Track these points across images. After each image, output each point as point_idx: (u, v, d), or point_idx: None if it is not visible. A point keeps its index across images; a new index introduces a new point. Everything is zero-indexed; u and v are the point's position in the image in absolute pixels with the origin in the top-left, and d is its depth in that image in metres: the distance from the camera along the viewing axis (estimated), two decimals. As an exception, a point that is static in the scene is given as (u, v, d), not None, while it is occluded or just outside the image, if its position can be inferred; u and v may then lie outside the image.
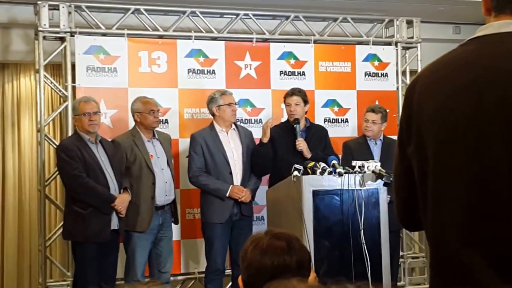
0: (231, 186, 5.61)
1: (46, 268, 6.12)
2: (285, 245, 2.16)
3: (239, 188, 5.63)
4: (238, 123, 6.06)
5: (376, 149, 6.12)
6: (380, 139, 6.19)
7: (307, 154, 5.63)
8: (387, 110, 6.29)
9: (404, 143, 1.90)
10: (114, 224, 5.25)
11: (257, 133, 6.12)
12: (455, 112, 1.75)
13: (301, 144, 5.66)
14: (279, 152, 5.72)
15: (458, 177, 1.74)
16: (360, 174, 5.02)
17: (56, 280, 6.43)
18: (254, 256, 2.17)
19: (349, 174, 5.00)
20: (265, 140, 5.71)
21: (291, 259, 2.14)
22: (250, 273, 2.17)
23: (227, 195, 5.58)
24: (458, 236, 1.73)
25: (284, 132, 5.81)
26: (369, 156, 5.77)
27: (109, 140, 5.60)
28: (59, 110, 6.28)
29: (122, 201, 5.26)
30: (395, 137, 6.70)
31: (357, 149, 6.04)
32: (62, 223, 5.79)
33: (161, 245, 5.63)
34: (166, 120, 6.28)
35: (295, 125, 5.74)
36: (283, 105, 6.04)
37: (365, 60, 7.00)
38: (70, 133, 5.96)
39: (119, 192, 5.30)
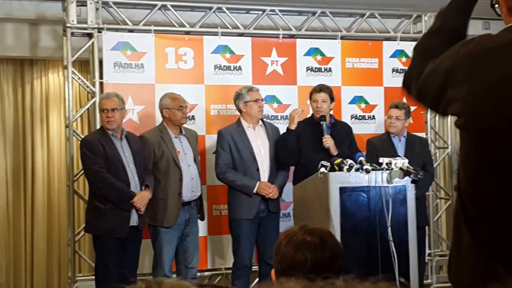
0: (258, 182, 5.61)
1: (75, 263, 6.17)
2: (318, 240, 2.18)
3: (266, 184, 5.62)
4: (264, 119, 6.05)
5: (400, 146, 6.09)
6: (404, 136, 6.16)
7: (334, 151, 5.58)
8: (410, 107, 6.26)
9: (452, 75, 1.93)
10: (134, 220, 5.27)
11: (283, 130, 6.10)
12: None
13: (328, 141, 5.61)
14: (304, 149, 5.69)
15: None
16: (388, 171, 4.99)
17: (85, 274, 6.50)
18: (287, 250, 2.19)
19: (376, 171, 4.97)
20: (293, 127, 5.63)
21: (324, 254, 2.15)
22: (283, 267, 2.19)
23: (255, 191, 5.58)
24: None
25: (309, 128, 5.77)
26: (394, 153, 5.74)
27: (137, 135, 5.62)
28: (87, 106, 6.33)
29: (142, 198, 5.27)
30: (419, 134, 6.69)
31: (381, 146, 6.01)
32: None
33: (188, 240, 5.66)
34: (193, 116, 6.29)
35: (321, 122, 5.69)
36: (309, 102, 6.01)
37: (393, 56, 6.95)
38: (98, 129, 6.01)
39: (140, 189, 5.33)
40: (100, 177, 5.16)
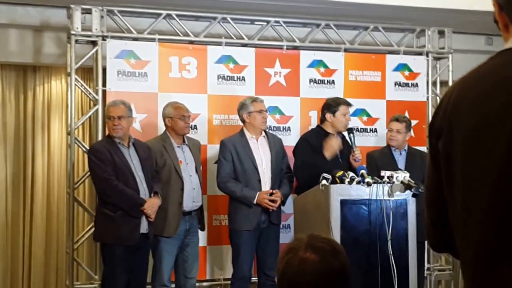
0: (258, 193, 5.57)
1: (73, 271, 6.14)
2: (319, 259, 2.12)
3: (266, 192, 5.56)
4: (267, 130, 6.03)
5: (401, 160, 6.09)
6: (405, 149, 6.16)
7: (357, 164, 5.59)
8: (411, 121, 6.27)
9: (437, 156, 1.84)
10: (144, 227, 5.24)
11: (286, 141, 6.10)
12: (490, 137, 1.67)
13: (360, 154, 5.64)
14: (320, 161, 5.58)
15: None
16: (389, 185, 4.99)
17: (83, 282, 6.47)
18: (285, 268, 2.15)
19: (378, 184, 4.97)
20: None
21: (322, 274, 2.10)
22: (281, 285, 2.16)
23: (255, 202, 5.56)
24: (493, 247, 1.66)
25: (320, 140, 5.70)
26: (394, 167, 5.73)
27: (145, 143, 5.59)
28: (89, 114, 6.33)
29: (152, 205, 5.24)
30: (421, 148, 6.68)
31: (381, 159, 6.00)
32: (90, 226, 5.82)
33: (188, 250, 5.64)
34: (195, 126, 6.28)
35: (350, 134, 5.72)
36: (311, 113, 6.03)
37: (396, 69, 6.96)
38: (100, 137, 6.01)
39: (149, 196, 5.30)
40: (110, 185, 5.14)
